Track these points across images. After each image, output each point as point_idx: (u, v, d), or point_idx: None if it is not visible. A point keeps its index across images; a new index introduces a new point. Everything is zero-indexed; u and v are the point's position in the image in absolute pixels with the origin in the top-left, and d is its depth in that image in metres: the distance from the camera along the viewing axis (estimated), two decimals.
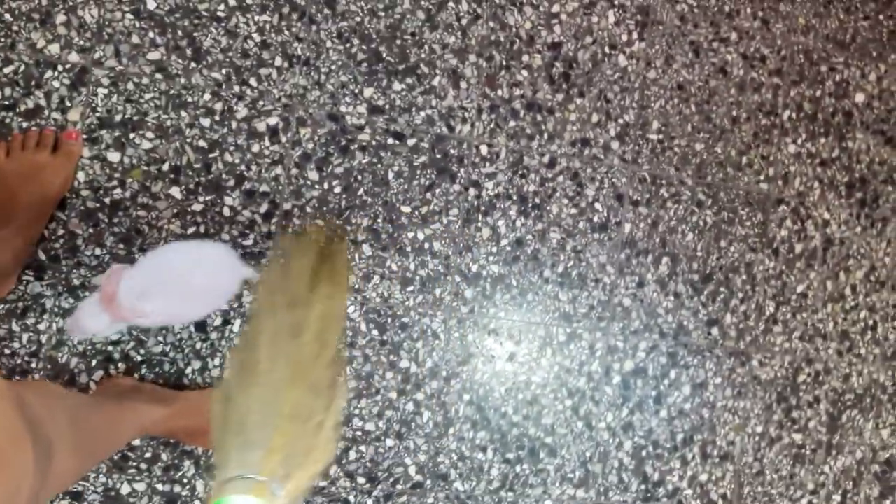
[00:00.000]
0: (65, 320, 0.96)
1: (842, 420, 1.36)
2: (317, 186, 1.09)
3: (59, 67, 1.00)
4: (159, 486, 1.04)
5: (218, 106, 1.05)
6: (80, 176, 1.00)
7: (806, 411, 1.34)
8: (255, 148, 1.06)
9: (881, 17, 1.36)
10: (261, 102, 1.07)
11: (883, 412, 1.40)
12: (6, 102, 0.98)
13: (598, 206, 1.21)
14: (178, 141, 1.03)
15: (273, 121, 1.07)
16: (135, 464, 1.03)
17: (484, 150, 1.15)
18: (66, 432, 0.57)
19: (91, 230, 1.00)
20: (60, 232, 0.99)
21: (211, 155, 1.05)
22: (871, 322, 1.37)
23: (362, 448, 1.12)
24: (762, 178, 1.30)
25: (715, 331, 1.28)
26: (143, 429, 0.88)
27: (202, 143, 1.04)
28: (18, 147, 0.94)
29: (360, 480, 1.12)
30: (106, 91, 1.01)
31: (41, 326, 0.99)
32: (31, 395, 0.54)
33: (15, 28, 0.98)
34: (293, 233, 1.07)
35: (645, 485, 1.26)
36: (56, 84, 0.99)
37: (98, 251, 1.01)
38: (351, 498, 1.11)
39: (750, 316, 1.30)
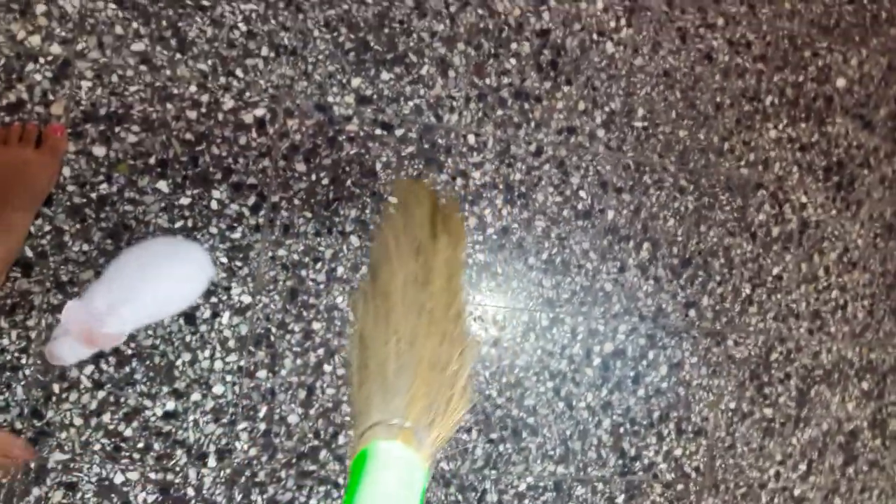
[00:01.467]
0: (44, 349, 1.02)
1: (810, 395, 1.49)
2: (304, 178, 1.15)
3: (41, 60, 1.03)
4: (152, 475, 1.12)
5: (204, 98, 1.09)
6: (66, 171, 1.05)
7: (777, 387, 1.47)
8: (243, 140, 1.12)
9: (865, 0, 1.44)
10: (247, 93, 1.11)
11: (849, 386, 1.53)
12: None
13: (582, 193, 1.29)
14: (165, 134, 1.08)
15: (260, 112, 1.12)
16: (127, 453, 1.11)
17: (472, 139, 1.22)
18: None
19: (78, 226, 1.06)
20: (47, 228, 1.05)
21: (198, 148, 1.10)
22: (841, 301, 1.49)
23: (351, 433, 1.21)
24: (743, 163, 1.39)
25: (692, 313, 1.38)
26: None
27: (189, 136, 1.09)
28: (1, 142, 0.98)
29: (349, 463, 1.21)
30: (90, 84, 1.05)
31: (30, 323, 1.05)
32: None
33: None
34: (406, 182, 1.12)
35: (622, 460, 1.38)
36: (38, 77, 1.03)
37: (86, 247, 1.06)
38: (341, 480, 1.21)
39: (727, 298, 1.41)
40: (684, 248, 1.37)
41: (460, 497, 1.30)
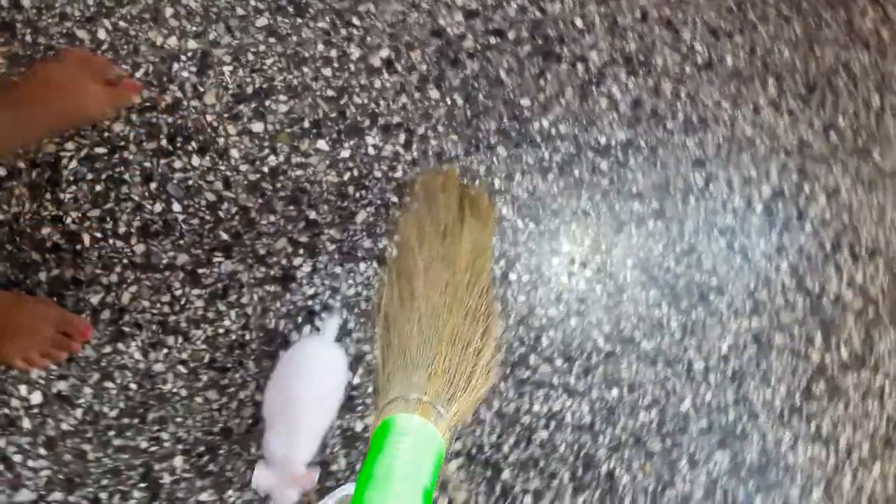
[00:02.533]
0: None
1: None
2: (441, 104, 1.23)
3: (183, 57, 1.13)
4: None
5: (333, 53, 1.18)
6: (234, 153, 1.13)
7: None
8: (377, 83, 1.20)
9: None
10: (369, 38, 1.20)
11: None
12: (147, 104, 1.11)
13: (697, 46, 1.35)
14: (309, 96, 1.17)
15: (385, 53, 1.20)
16: (360, 400, 1.18)
17: (579, 22, 1.29)
18: None
19: (260, 200, 1.14)
20: (234, 210, 1.13)
21: (341, 102, 1.18)
22: None
23: (551, 333, 1.27)
24: None
25: (833, 135, 1.43)
26: None
27: (330, 93, 1.18)
28: (81, 63, 1.00)
29: (558, 363, 1.28)
30: (231, 68, 1.14)
31: (244, 300, 1.13)
32: None
33: (132, 33, 1.11)
34: (433, 172, 1.20)
35: (809, 298, 1.42)
36: (185, 74, 1.12)
37: (272, 217, 1.14)
38: (554, 380, 1.27)
39: (860, 112, 1.45)
40: (806, 74, 1.42)
41: (669, 371, 1.35)
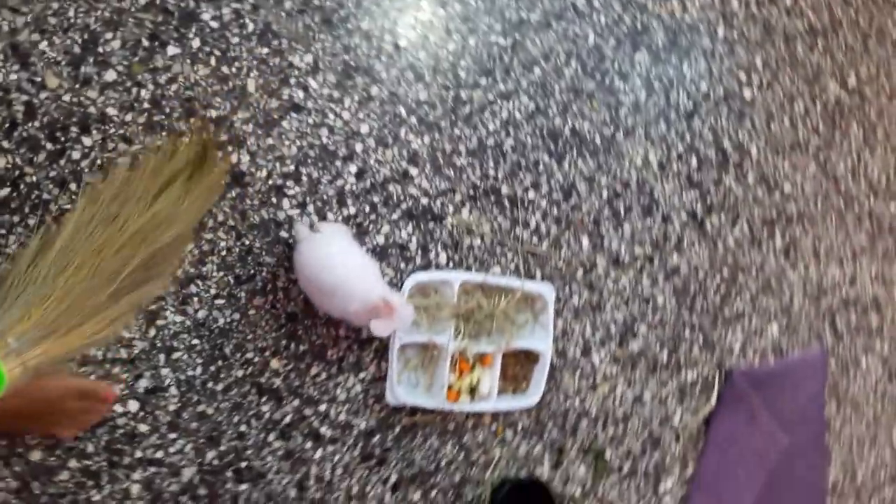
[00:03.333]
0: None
1: None
2: None
3: None
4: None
5: None
6: (111, 111, 1.14)
7: None
8: None
9: None
10: None
11: None
12: (7, 123, 1.08)
13: None
14: (128, 17, 1.15)
15: None
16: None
17: None
18: None
19: (164, 133, 1.16)
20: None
21: (157, 2, 1.16)
22: None
23: (462, 63, 1.36)
24: None
25: None
26: None
27: (141, 1, 1.15)
28: None
29: (483, 81, 1.39)
30: (45, 42, 1.11)
31: (220, 218, 1.19)
32: None
33: None
34: (174, 138, 1.17)
35: None
36: (13, 76, 1.09)
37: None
38: (489, 97, 1.38)
39: None
40: None
41: (562, 23, 1.46)
